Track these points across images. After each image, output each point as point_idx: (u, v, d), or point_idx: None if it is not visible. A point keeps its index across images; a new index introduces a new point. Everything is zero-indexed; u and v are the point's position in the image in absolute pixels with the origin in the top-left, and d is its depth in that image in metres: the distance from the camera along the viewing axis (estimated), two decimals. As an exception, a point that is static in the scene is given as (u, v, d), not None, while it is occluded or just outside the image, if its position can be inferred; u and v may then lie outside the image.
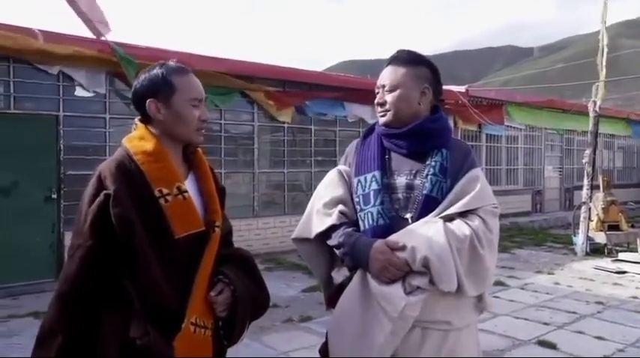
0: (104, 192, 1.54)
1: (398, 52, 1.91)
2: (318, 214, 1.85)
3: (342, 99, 9.60)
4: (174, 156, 1.70)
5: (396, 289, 1.65)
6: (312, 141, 9.50)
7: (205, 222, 1.68)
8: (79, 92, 6.87)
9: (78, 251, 1.53)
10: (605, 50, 9.08)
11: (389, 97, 1.85)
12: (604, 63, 9.07)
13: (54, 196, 6.71)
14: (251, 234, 8.31)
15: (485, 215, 1.74)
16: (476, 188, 1.76)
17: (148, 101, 1.66)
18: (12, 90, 6.43)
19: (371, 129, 1.99)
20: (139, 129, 1.71)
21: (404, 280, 1.67)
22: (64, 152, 6.79)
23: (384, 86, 1.87)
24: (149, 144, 1.64)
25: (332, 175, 1.94)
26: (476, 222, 1.71)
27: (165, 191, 1.59)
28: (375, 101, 1.90)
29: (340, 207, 1.84)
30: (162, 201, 1.58)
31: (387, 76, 1.87)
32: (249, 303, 1.71)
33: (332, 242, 1.81)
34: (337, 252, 1.81)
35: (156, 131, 1.68)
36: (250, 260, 1.84)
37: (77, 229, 1.57)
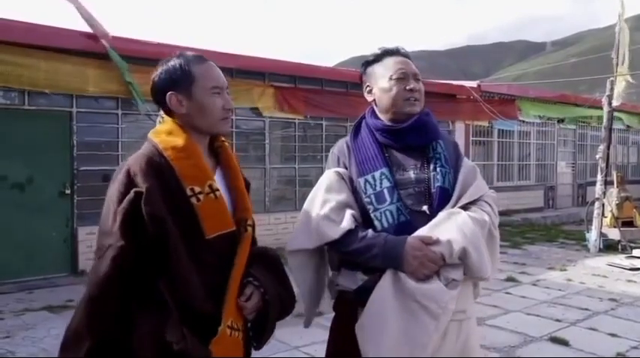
0: (134, 189, 1.47)
1: (398, 47, 1.93)
2: (325, 221, 1.74)
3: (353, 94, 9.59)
4: (202, 150, 1.63)
5: (436, 284, 1.64)
6: (324, 136, 9.50)
7: (235, 221, 1.61)
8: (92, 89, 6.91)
9: (109, 252, 1.45)
10: (627, 42, 8.96)
11: (420, 86, 1.87)
12: (627, 55, 8.93)
13: (67, 192, 6.78)
14: (262, 229, 8.32)
15: (489, 200, 1.82)
16: (477, 177, 1.84)
17: (168, 94, 1.59)
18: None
19: (358, 126, 1.94)
20: (166, 122, 1.64)
21: (438, 274, 1.66)
22: (78, 148, 6.85)
23: (415, 74, 1.86)
24: (179, 140, 1.57)
25: (331, 178, 1.83)
26: (487, 208, 1.78)
27: (197, 189, 1.53)
28: (409, 87, 1.83)
29: (349, 210, 1.77)
30: (193, 200, 1.52)
31: (412, 66, 1.87)
32: (279, 306, 1.66)
33: (353, 246, 1.72)
34: (361, 256, 1.71)
35: (182, 124, 1.62)
36: (278, 260, 1.75)
37: (105, 229, 1.48)
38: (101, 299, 1.45)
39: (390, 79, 1.84)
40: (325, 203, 1.77)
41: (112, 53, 6.68)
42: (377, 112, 1.92)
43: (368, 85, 1.94)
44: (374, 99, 1.92)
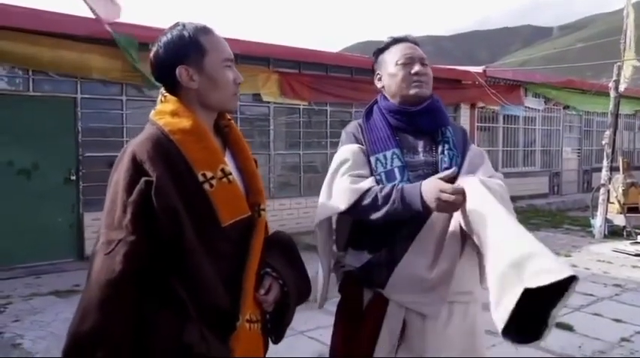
0: (144, 178, 1.34)
1: (407, 35, 1.97)
2: (355, 181, 1.78)
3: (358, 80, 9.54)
4: (210, 131, 1.51)
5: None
6: (328, 122, 9.47)
7: (249, 206, 1.50)
8: (97, 75, 6.89)
9: (119, 247, 1.32)
10: (631, 28, 8.86)
11: (426, 70, 1.89)
12: (632, 39, 8.82)
13: (73, 178, 6.81)
14: (267, 215, 8.35)
15: (498, 180, 1.84)
16: (484, 161, 1.88)
17: (178, 68, 1.46)
18: (30, 73, 6.49)
19: (370, 109, 1.98)
20: (170, 102, 1.50)
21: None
22: (83, 134, 6.87)
23: (422, 59, 1.89)
24: (186, 121, 1.44)
25: (355, 151, 1.86)
26: (501, 182, 1.81)
27: (209, 175, 1.41)
28: (414, 70, 1.86)
29: (371, 179, 1.81)
30: (206, 186, 1.40)
31: (418, 51, 1.91)
32: (297, 297, 1.61)
33: (371, 195, 1.73)
34: (379, 200, 1.72)
35: (188, 103, 1.49)
36: (292, 245, 1.69)
37: (113, 221, 1.35)
38: (117, 300, 1.31)
39: (397, 64, 1.89)
40: (351, 171, 1.82)
41: (117, 38, 6.65)
42: (388, 98, 1.95)
43: (378, 73, 1.99)
44: (383, 86, 1.96)
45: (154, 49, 1.51)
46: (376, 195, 1.73)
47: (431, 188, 1.64)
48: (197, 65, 1.47)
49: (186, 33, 1.48)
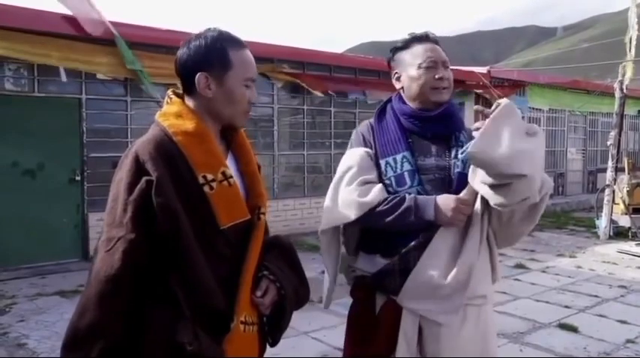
0: (145, 178, 1.36)
1: (427, 33, 1.88)
2: (365, 191, 1.75)
3: (362, 80, 9.54)
4: (214, 135, 1.53)
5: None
6: (332, 123, 9.47)
7: (249, 209, 1.52)
8: (101, 75, 6.91)
9: (119, 245, 1.35)
10: (635, 27, 8.81)
11: (449, 74, 1.84)
12: (633, 38, 8.78)
13: (78, 178, 6.84)
14: (271, 215, 8.34)
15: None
16: None
17: (198, 74, 1.46)
18: (36, 74, 6.52)
19: (382, 110, 1.94)
20: (174, 104, 1.52)
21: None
22: (87, 135, 6.90)
23: (444, 62, 1.84)
24: (190, 124, 1.46)
25: (363, 156, 1.83)
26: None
27: (209, 177, 1.43)
28: (438, 76, 1.81)
29: (380, 184, 1.78)
30: (206, 188, 1.42)
31: (441, 53, 1.84)
32: (295, 301, 1.61)
33: (384, 206, 1.72)
34: (393, 212, 1.70)
35: (195, 107, 1.50)
36: (292, 249, 1.69)
37: (114, 219, 1.38)
38: (114, 296, 1.34)
39: (419, 67, 1.81)
40: (357, 178, 1.78)
41: (119, 41, 6.66)
42: (405, 99, 1.89)
43: (396, 72, 1.91)
44: (402, 87, 1.90)
45: (183, 49, 1.51)
46: (387, 203, 1.72)
47: (447, 199, 1.68)
48: (218, 77, 1.48)
49: (218, 43, 1.48)
